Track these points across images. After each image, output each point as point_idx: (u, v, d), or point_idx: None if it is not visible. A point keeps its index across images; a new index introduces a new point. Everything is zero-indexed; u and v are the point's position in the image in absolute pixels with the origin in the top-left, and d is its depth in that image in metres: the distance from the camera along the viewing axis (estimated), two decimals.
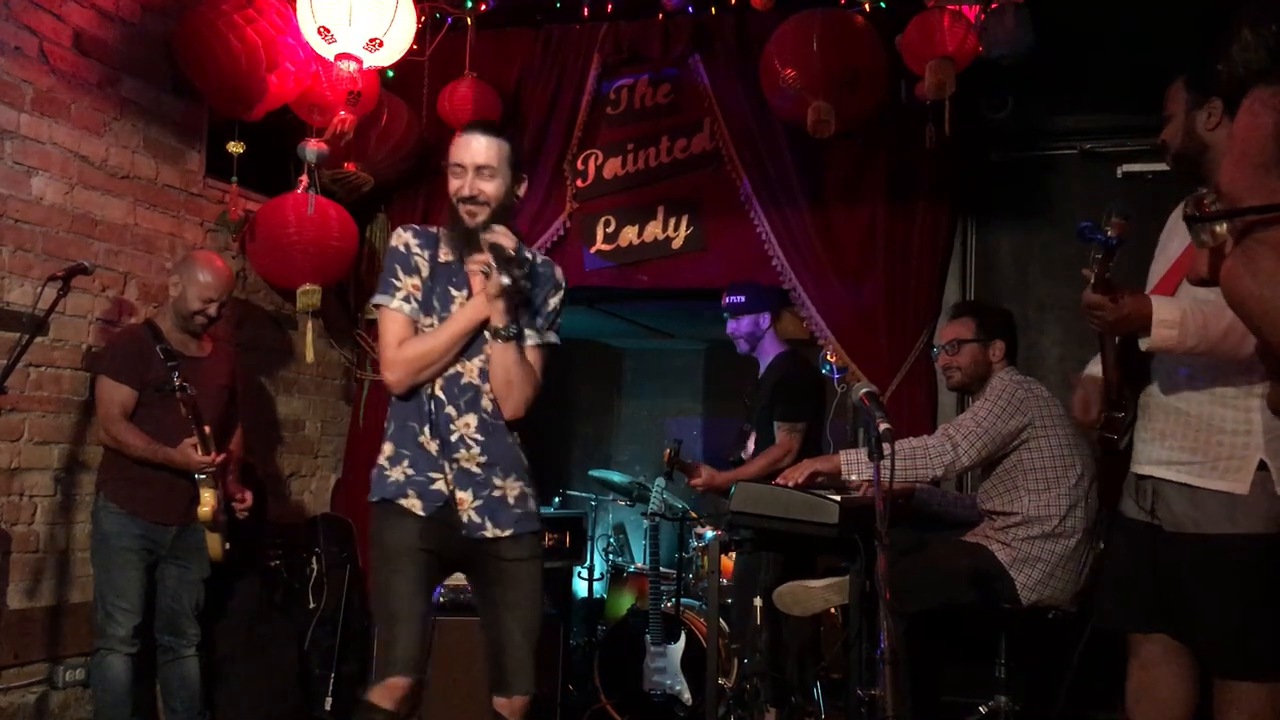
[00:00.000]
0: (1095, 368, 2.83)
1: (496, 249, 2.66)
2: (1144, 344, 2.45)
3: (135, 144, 4.30)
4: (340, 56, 4.08)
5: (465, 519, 2.74)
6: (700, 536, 5.32)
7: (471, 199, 2.76)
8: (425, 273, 2.81)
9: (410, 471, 2.75)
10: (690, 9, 4.80)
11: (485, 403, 2.78)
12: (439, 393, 2.76)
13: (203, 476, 3.80)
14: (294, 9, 4.19)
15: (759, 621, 4.08)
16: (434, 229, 2.88)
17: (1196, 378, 2.53)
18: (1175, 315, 2.40)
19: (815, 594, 3.63)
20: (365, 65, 4.15)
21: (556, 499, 6.03)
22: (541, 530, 2.91)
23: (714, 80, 4.86)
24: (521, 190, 2.88)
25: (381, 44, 4.06)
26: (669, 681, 4.66)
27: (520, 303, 2.79)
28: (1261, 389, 2.48)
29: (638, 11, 4.90)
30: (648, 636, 4.72)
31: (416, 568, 2.72)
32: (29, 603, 3.87)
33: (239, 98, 4.34)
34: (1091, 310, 2.48)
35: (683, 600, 4.84)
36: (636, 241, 5.01)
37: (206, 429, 3.79)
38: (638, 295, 5.31)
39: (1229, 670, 2.46)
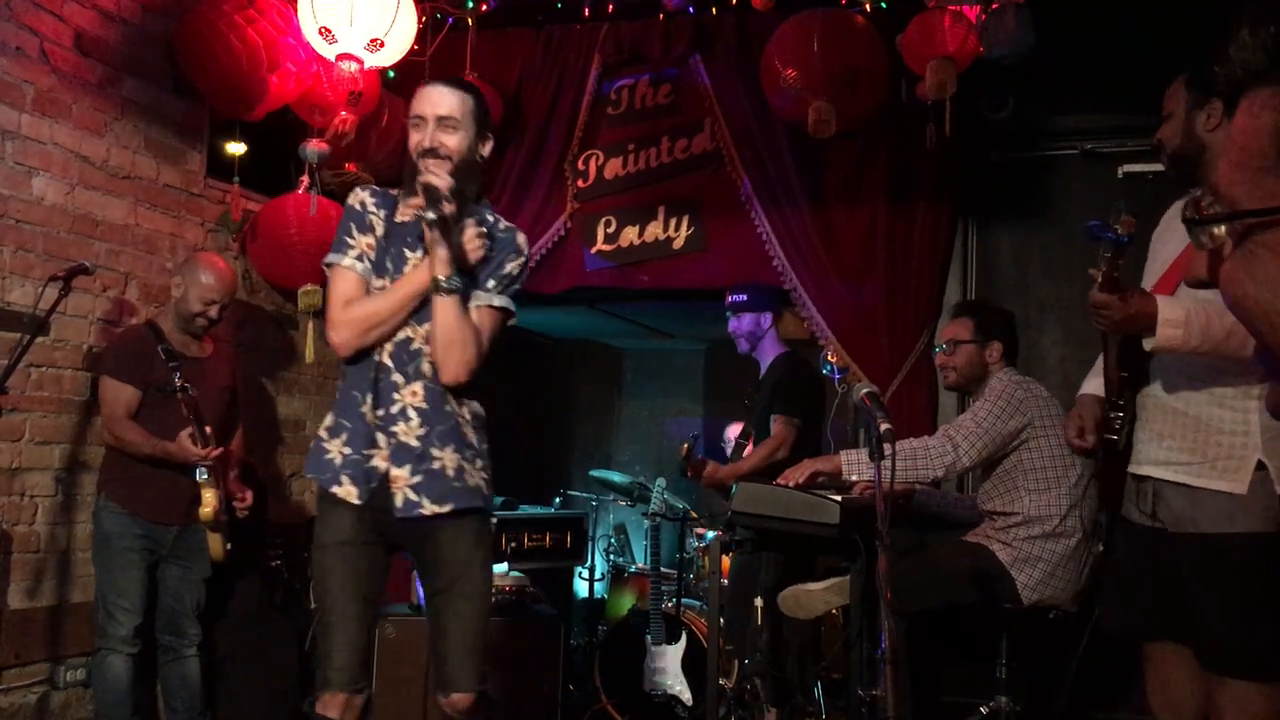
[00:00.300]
0: (1092, 385, 2.85)
1: (428, 189, 2.52)
2: (1149, 344, 2.45)
3: (136, 144, 4.30)
4: (341, 57, 4.08)
5: (400, 500, 2.56)
6: (701, 536, 5.32)
7: (431, 151, 2.59)
8: (380, 232, 2.67)
9: (347, 450, 2.59)
10: (691, 9, 4.80)
11: (426, 367, 2.62)
12: (386, 359, 2.60)
13: (204, 476, 3.80)
14: (295, 9, 4.19)
15: (759, 621, 4.08)
16: (394, 190, 2.73)
17: (1195, 378, 2.53)
18: (1180, 315, 2.41)
19: (817, 596, 3.64)
20: (366, 65, 4.15)
21: (557, 499, 6.03)
22: (486, 511, 2.70)
23: (714, 80, 4.86)
24: (486, 149, 2.72)
25: (382, 44, 4.07)
26: (669, 682, 4.66)
27: (459, 255, 2.60)
28: (1259, 390, 2.49)
29: (638, 12, 4.90)
30: (648, 636, 4.72)
31: (351, 566, 2.58)
32: (30, 603, 3.88)
33: (240, 98, 4.34)
34: (1098, 310, 2.47)
35: (683, 600, 4.84)
36: (637, 242, 5.01)
37: (208, 429, 3.80)
38: (638, 295, 5.31)
39: (1229, 669, 2.46)
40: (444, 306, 2.54)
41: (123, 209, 4.25)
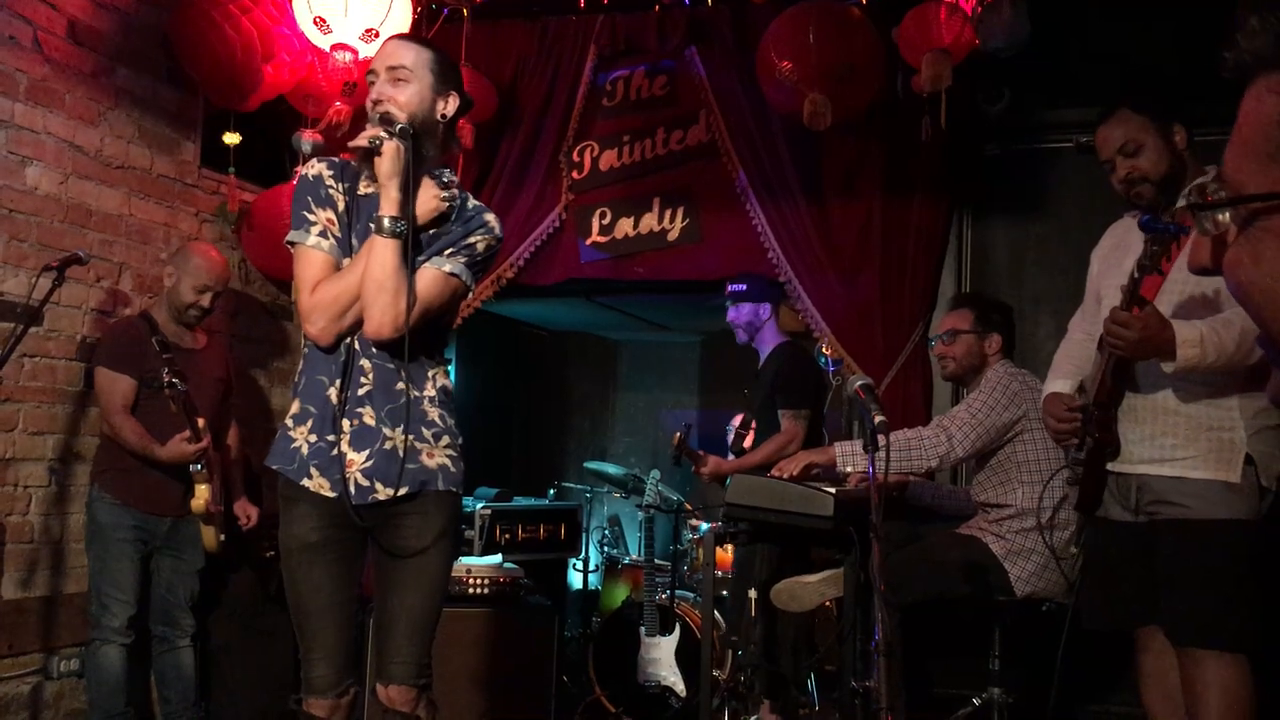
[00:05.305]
0: (1057, 384, 2.96)
1: (386, 117, 2.37)
2: (1169, 367, 2.51)
3: (130, 134, 4.29)
4: (336, 47, 4.06)
5: (353, 485, 2.41)
6: (695, 528, 5.33)
7: (380, 103, 2.42)
8: (341, 207, 2.48)
9: (313, 438, 2.44)
10: (686, 1, 4.79)
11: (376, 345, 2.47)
12: (355, 342, 2.44)
13: (197, 468, 3.80)
14: None
15: (753, 614, 4.09)
16: (354, 161, 2.52)
17: (1184, 379, 2.59)
18: (1195, 335, 2.48)
19: (811, 589, 3.64)
20: (361, 56, 4.13)
21: (552, 490, 6.04)
22: (453, 493, 2.52)
23: (710, 72, 4.84)
24: (449, 108, 2.49)
25: (377, 35, 4.05)
26: (663, 673, 4.66)
27: (422, 211, 2.46)
28: (1242, 384, 2.57)
29: (634, 3, 4.89)
30: (642, 628, 4.72)
31: (321, 572, 2.45)
32: (23, 593, 3.87)
33: (234, 88, 4.33)
34: (1119, 328, 2.50)
35: (677, 592, 4.85)
36: (632, 233, 5.00)
37: (201, 421, 3.79)
38: (633, 287, 5.31)
39: (1209, 642, 2.56)
40: (383, 248, 2.35)
41: (117, 199, 4.23)
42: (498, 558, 4.73)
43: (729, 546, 4.72)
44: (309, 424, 2.46)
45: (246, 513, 4.14)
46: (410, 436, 2.45)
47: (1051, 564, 3.37)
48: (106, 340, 3.94)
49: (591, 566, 6.15)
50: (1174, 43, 4.18)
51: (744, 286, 4.52)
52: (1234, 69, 0.99)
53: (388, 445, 2.43)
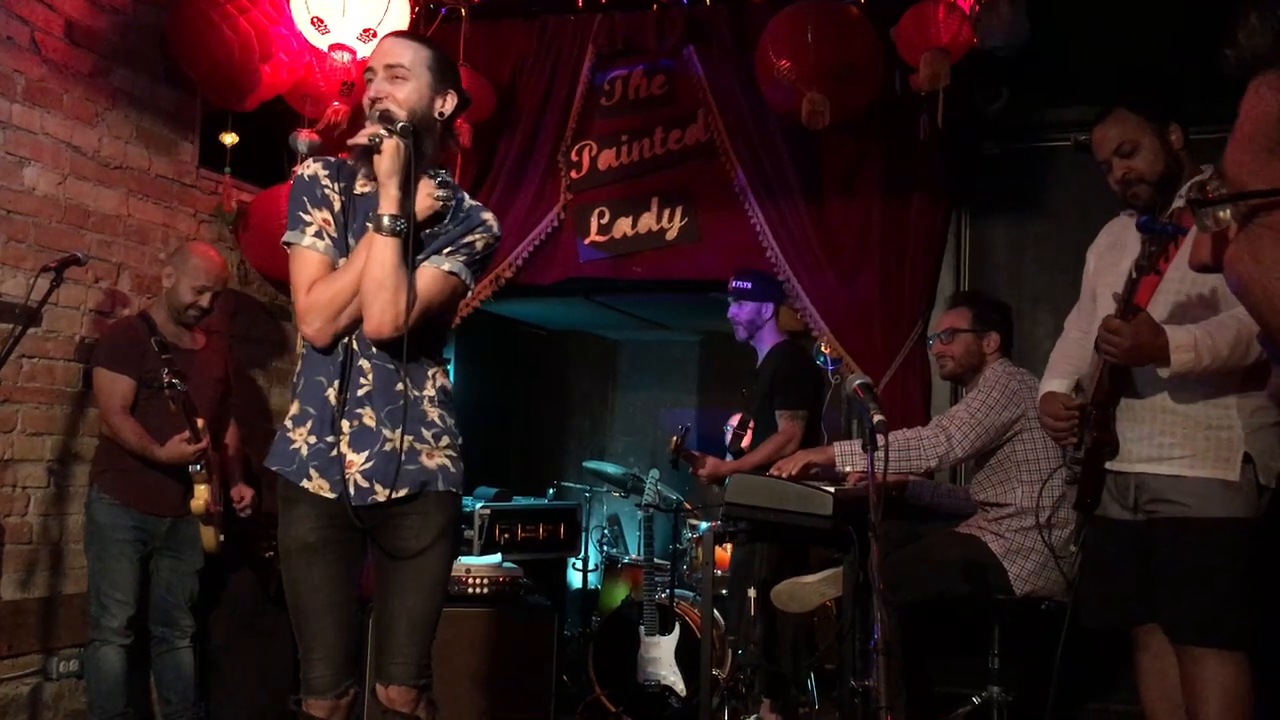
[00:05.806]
0: (1054, 384, 2.96)
1: (386, 115, 2.38)
2: (1165, 372, 2.52)
3: (128, 134, 4.29)
4: (334, 47, 4.07)
5: (353, 486, 2.40)
6: (695, 528, 5.32)
7: (379, 101, 2.42)
8: (337, 206, 2.47)
9: (312, 439, 2.43)
10: (685, 0, 4.79)
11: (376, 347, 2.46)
12: (354, 343, 2.43)
13: (197, 469, 3.80)
14: None
15: (753, 614, 4.09)
16: (351, 160, 2.51)
17: (1180, 379, 2.58)
18: (1189, 339, 2.49)
19: (811, 589, 3.64)
20: (359, 56, 4.13)
21: (551, 490, 6.04)
22: (453, 493, 2.52)
23: (709, 72, 4.84)
24: (447, 106, 2.48)
25: (375, 35, 4.05)
26: (663, 672, 4.66)
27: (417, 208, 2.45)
28: (1240, 384, 2.57)
29: (632, 3, 4.89)
30: (642, 628, 4.72)
31: (320, 573, 2.44)
32: (22, 594, 3.87)
33: (232, 88, 4.33)
34: (1110, 335, 2.51)
35: (677, 591, 4.84)
36: (630, 233, 4.99)
37: (200, 421, 3.79)
38: (632, 286, 5.30)
39: (1209, 639, 2.56)
40: (383, 247, 2.34)
41: (114, 199, 4.23)
42: (497, 557, 4.73)
43: (728, 546, 4.72)
44: (308, 425, 2.45)
45: (241, 494, 4.07)
46: (410, 437, 2.44)
47: (1050, 563, 3.37)
48: (105, 341, 3.93)
49: (591, 566, 6.15)
50: (1174, 42, 4.17)
51: (749, 284, 4.48)
52: (1235, 67, 0.99)
53: (387, 446, 2.43)
